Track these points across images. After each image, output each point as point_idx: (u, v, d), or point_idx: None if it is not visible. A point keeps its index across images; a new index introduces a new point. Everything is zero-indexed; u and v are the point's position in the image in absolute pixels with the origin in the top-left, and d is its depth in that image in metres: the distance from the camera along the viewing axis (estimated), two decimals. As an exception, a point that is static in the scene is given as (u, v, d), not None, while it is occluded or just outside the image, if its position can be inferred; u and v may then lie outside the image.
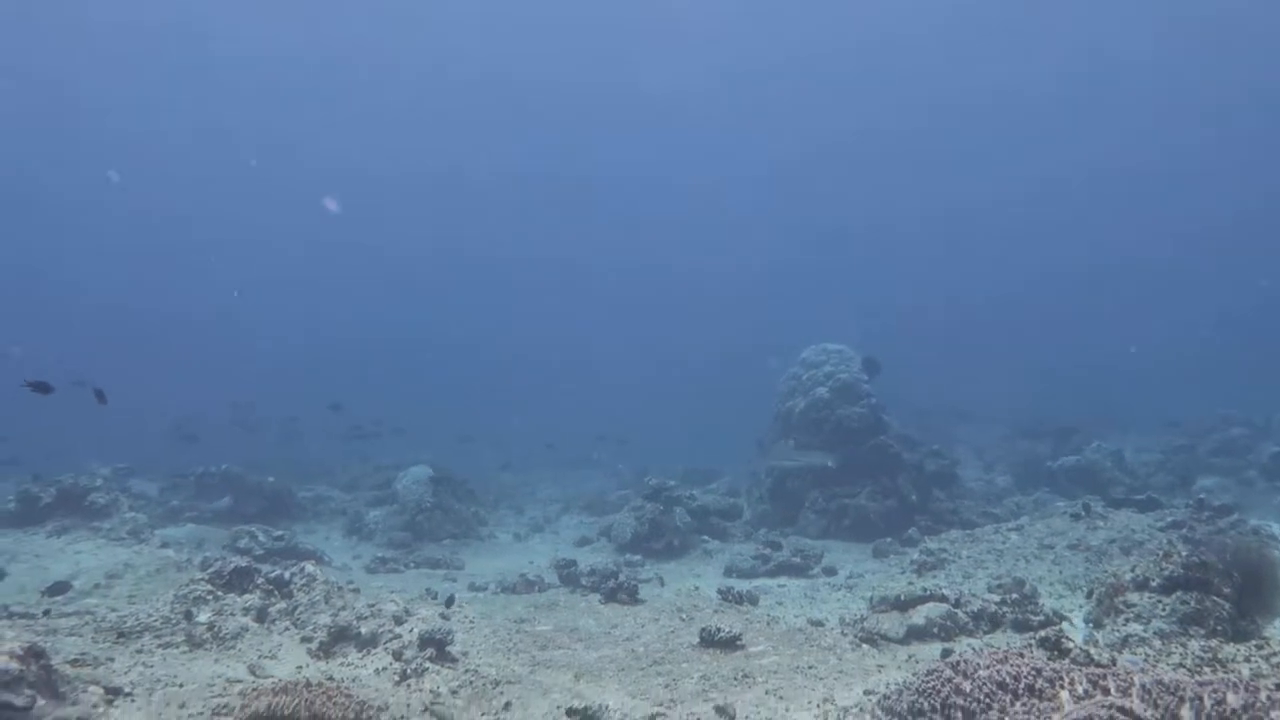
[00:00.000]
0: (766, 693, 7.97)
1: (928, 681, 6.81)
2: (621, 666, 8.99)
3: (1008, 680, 6.59)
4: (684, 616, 10.73)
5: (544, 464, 42.29)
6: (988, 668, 6.84)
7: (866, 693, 7.84)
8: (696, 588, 13.61)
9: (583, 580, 15.27)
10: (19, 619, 9.99)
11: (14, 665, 6.87)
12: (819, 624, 11.29)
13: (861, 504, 21.65)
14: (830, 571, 16.22)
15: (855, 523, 21.34)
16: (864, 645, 9.59)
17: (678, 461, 41.13)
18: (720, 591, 12.39)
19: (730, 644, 9.16)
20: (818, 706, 7.56)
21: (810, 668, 8.62)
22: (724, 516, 21.07)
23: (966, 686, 6.61)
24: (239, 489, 23.25)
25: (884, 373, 24.90)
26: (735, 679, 8.35)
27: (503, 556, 20.30)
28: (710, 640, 9.20)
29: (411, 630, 9.78)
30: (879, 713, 7.00)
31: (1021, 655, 7.28)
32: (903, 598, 11.10)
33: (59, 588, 12.26)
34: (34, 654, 7.29)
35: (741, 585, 14.77)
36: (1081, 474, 25.76)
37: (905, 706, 6.69)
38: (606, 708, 7.25)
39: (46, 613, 10.25)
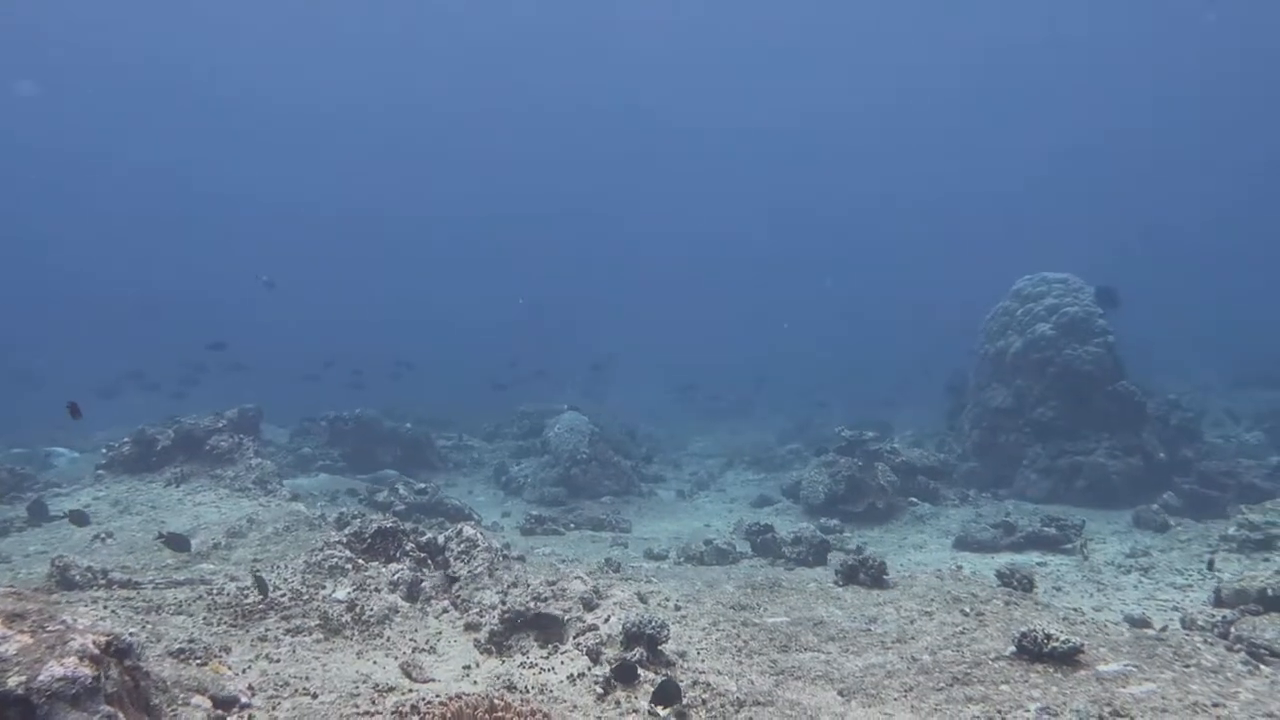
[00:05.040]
0: (1161, 744, 5.45)
1: None
2: (907, 685, 6.58)
3: None
4: (967, 610, 8.21)
5: (687, 414, 40.29)
6: None
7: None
8: (960, 567, 11.02)
9: (785, 550, 13.00)
10: (117, 588, 8.31)
11: (85, 671, 4.94)
12: (1143, 623, 8.66)
13: (1099, 462, 18.51)
14: (1092, 547, 13.39)
15: (1092, 485, 18.25)
16: (1261, 666, 6.88)
17: (835, 412, 38.46)
18: (1000, 574, 9.75)
19: (1068, 659, 6.62)
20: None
21: (1215, 705, 6.00)
22: (931, 475, 18.29)
23: None
24: (374, 436, 21.87)
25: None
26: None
27: (671, 517, 18.19)
28: (1035, 651, 6.66)
29: (608, 619, 7.62)
30: None
31: None
32: (1269, 592, 8.34)
33: (174, 542, 10.61)
34: (117, 651, 5.39)
35: (993, 563, 12.24)
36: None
37: None
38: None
39: (151, 582, 8.54)
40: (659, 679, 6.52)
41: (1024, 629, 6.90)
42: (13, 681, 4.75)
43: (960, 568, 10.78)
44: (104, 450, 15.75)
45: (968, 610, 8.24)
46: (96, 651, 5.18)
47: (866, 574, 9.38)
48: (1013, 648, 6.93)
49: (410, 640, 7.42)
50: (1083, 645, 6.71)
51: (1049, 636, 6.69)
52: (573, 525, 16.31)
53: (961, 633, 7.57)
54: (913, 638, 7.55)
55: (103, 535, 11.48)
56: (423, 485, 16.18)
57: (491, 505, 19.33)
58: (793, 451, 26.63)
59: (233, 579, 8.80)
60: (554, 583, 8.29)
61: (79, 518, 11.29)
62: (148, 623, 7.12)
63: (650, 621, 7.08)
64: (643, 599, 8.75)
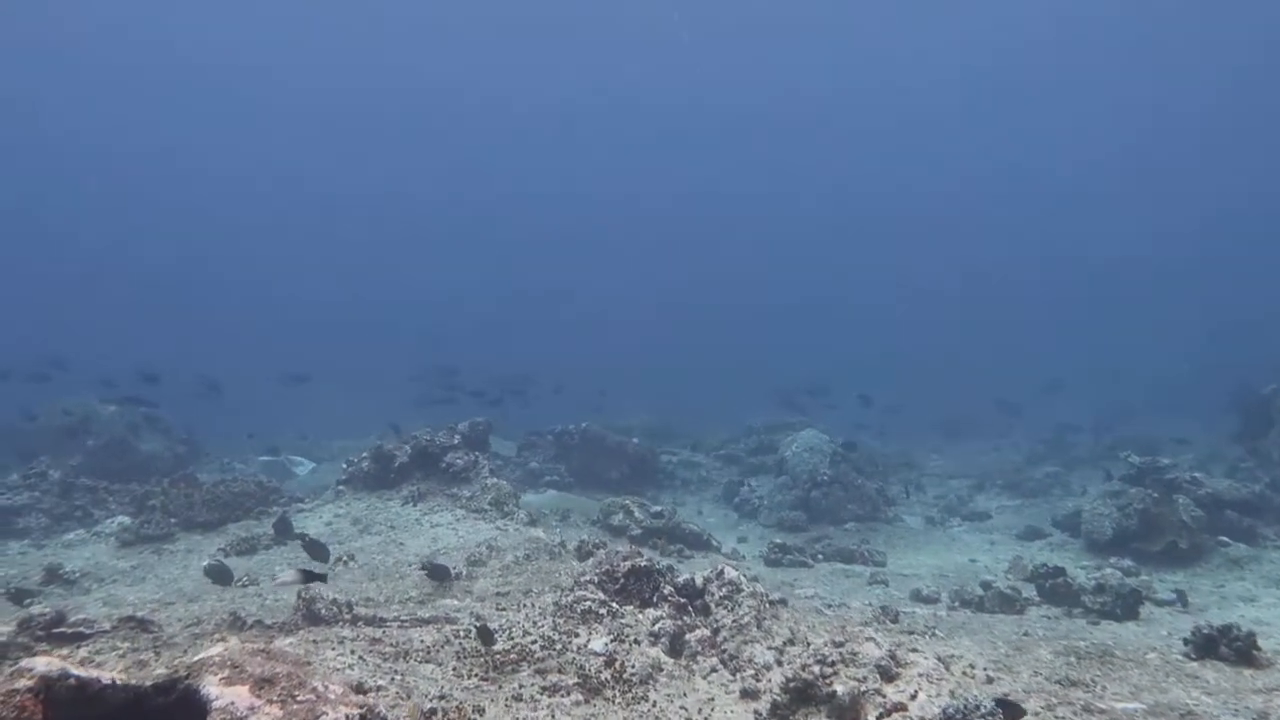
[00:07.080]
0: None
1: None
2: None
3: None
4: (1393, 709, 6.48)
5: (912, 430, 37.92)
6: None
7: None
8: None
9: (1085, 600, 11.27)
10: (363, 625, 7.78)
11: (339, 754, 4.27)
12: None
13: None
14: None
15: None
16: None
17: (1084, 429, 35.14)
18: None
19: None
20: None
21: None
22: (1243, 510, 15.80)
23: None
24: (599, 450, 21.41)
25: None
26: None
27: (926, 549, 16.60)
28: None
29: (915, 696, 6.39)
30: None
31: None
32: None
33: (436, 572, 10.05)
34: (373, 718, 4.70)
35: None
36: None
37: None
38: None
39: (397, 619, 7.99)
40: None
41: None
42: (261, 765, 4.13)
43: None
44: (344, 465, 15.87)
45: (1394, 711, 6.47)
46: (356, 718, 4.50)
47: (1229, 646, 7.67)
48: None
49: (680, 708, 6.46)
50: None
51: None
52: (820, 556, 15.07)
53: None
54: (1325, 746, 5.91)
55: (344, 558, 11.28)
56: (659, 508, 15.38)
57: (724, 528, 18.38)
58: (1051, 475, 24.24)
59: (478, 617, 8.15)
60: (840, 644, 7.11)
61: (316, 550, 10.99)
62: (396, 672, 6.49)
63: (978, 707, 5.82)
64: (945, 664, 7.45)
